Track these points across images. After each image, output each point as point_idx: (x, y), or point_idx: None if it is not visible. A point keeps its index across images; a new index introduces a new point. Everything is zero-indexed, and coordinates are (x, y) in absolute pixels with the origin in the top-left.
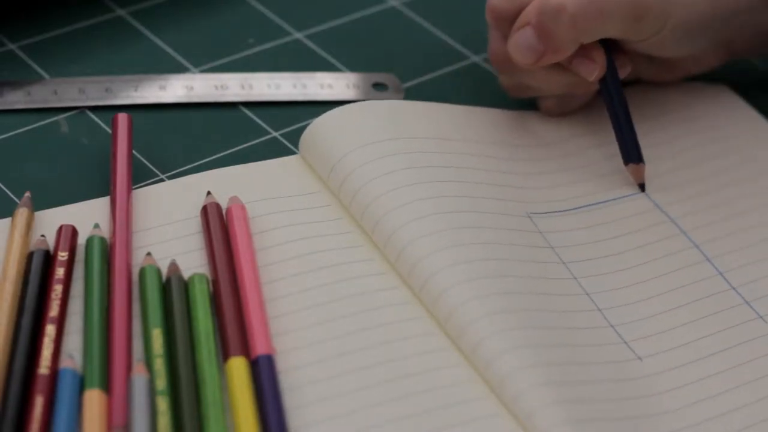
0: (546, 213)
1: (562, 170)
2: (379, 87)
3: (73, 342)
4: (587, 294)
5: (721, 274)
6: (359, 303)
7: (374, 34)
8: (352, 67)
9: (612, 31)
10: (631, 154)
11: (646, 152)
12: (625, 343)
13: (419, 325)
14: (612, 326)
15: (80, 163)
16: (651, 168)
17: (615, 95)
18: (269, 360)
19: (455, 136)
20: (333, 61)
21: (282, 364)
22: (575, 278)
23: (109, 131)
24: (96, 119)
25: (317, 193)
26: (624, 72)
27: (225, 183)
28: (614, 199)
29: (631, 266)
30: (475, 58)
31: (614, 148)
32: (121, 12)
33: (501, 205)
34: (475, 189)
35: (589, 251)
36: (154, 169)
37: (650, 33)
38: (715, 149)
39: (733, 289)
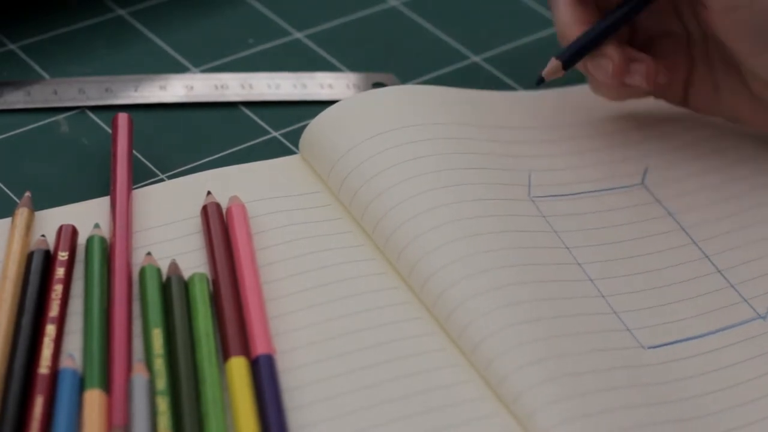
0: (548, 196)
1: (565, 154)
2: (379, 87)
3: (73, 342)
4: (591, 280)
5: (720, 272)
6: (359, 303)
7: (374, 34)
8: (352, 67)
9: None
10: (568, 54)
11: (646, 146)
12: (629, 330)
13: (419, 325)
14: (615, 313)
15: (80, 163)
16: (651, 162)
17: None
18: (269, 360)
19: (454, 120)
20: (333, 61)
21: (282, 364)
22: (579, 264)
23: (109, 131)
24: (96, 119)
25: (318, 193)
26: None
27: (225, 183)
28: (617, 188)
29: (633, 255)
30: (475, 58)
31: (617, 137)
32: (121, 12)
33: (503, 190)
34: (477, 175)
35: (592, 237)
36: (154, 169)
37: None
38: (715, 146)
39: (732, 287)
